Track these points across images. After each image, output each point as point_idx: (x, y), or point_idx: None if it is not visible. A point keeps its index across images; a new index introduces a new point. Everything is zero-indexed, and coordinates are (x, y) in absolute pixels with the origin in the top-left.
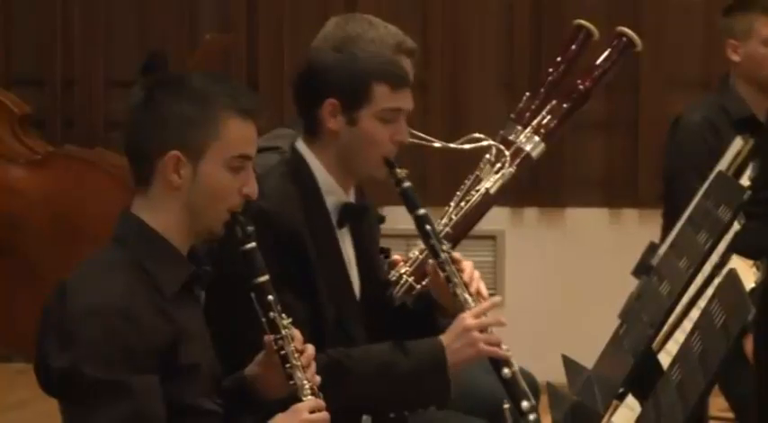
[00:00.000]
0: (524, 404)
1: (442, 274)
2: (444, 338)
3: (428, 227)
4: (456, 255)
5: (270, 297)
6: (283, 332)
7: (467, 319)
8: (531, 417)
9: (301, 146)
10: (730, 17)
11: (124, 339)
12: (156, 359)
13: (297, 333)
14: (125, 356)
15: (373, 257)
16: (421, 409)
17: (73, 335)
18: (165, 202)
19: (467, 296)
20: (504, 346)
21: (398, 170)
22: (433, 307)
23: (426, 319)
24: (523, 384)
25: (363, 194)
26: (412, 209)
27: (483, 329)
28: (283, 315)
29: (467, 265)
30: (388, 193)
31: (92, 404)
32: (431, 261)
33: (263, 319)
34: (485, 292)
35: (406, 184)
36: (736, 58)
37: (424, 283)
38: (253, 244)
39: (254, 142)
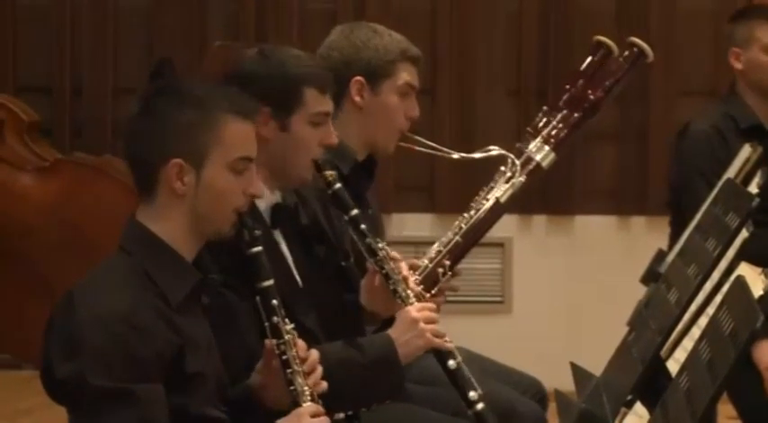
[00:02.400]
0: (471, 394)
1: (380, 272)
2: (392, 332)
3: (362, 226)
4: (393, 253)
5: (274, 301)
6: (286, 337)
7: (412, 311)
8: (479, 406)
9: None
10: (733, 25)
11: (129, 348)
12: (161, 368)
13: (300, 341)
14: (130, 365)
15: (312, 255)
16: (377, 405)
17: (78, 344)
18: (169, 209)
19: (408, 291)
20: (447, 338)
21: (327, 173)
22: (360, 314)
23: (353, 327)
24: (469, 374)
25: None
26: (345, 210)
27: (427, 321)
28: (286, 320)
29: (402, 263)
30: (395, 200)
31: (96, 412)
32: (369, 261)
33: (266, 324)
34: (417, 289)
35: (337, 185)
36: (738, 65)
37: (433, 291)
38: (259, 248)
39: (255, 144)
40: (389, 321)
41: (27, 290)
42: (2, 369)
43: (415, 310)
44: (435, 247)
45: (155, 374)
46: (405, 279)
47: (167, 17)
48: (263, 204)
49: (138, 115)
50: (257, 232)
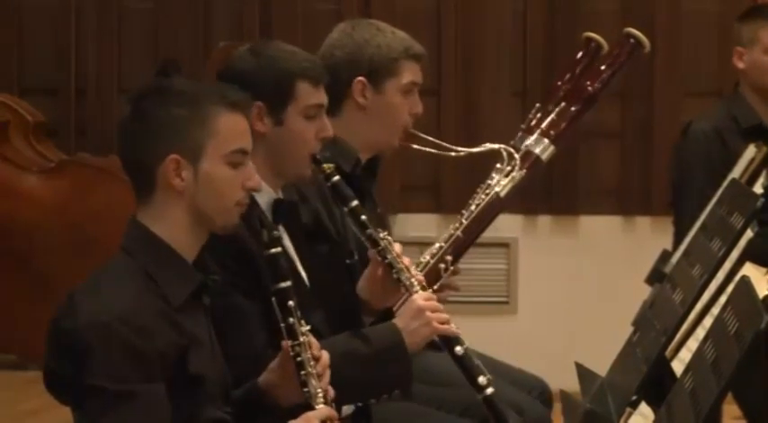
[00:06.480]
0: (481, 379)
1: (383, 262)
2: (398, 321)
3: (363, 217)
4: (396, 244)
5: (290, 302)
6: (301, 339)
7: (418, 300)
8: (489, 390)
9: None
10: (741, 24)
11: (131, 349)
12: (163, 368)
13: (314, 340)
14: (132, 366)
15: (315, 253)
16: (386, 396)
17: (80, 347)
18: (169, 208)
19: (412, 280)
20: (453, 325)
21: (325, 166)
22: (360, 306)
23: (357, 324)
24: (476, 360)
25: (289, 191)
26: (344, 201)
27: (433, 310)
28: (302, 322)
29: (404, 256)
30: (400, 200)
31: (99, 414)
32: (370, 251)
33: (282, 325)
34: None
35: (335, 178)
36: (741, 64)
37: (435, 287)
38: (278, 249)
39: (249, 136)
40: (386, 313)
41: (31, 289)
42: (7, 370)
43: (421, 298)
44: (437, 244)
45: (157, 374)
46: (407, 268)
47: (172, 18)
48: (263, 201)
49: (129, 118)
50: (276, 233)
